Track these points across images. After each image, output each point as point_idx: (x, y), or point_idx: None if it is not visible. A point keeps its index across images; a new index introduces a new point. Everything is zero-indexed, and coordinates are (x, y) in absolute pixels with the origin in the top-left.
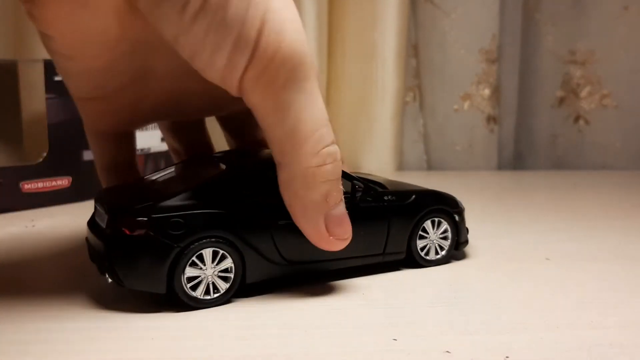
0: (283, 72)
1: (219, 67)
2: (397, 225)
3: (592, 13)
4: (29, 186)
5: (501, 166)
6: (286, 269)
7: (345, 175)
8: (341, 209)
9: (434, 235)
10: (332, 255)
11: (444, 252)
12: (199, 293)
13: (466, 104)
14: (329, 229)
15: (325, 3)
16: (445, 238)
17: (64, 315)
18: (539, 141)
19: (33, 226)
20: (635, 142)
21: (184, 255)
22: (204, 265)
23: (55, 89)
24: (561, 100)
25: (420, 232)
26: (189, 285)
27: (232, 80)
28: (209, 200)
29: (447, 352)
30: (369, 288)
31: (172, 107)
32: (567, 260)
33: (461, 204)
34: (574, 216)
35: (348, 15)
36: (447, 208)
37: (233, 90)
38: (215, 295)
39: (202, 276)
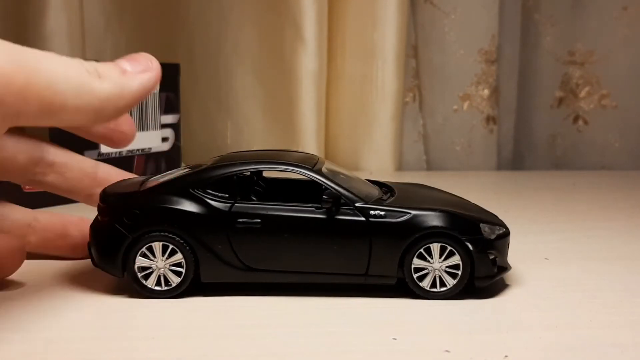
0: None
1: None
2: (382, 245)
3: (591, 13)
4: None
5: (500, 166)
6: (246, 274)
7: (320, 183)
8: (124, 62)
9: (437, 264)
10: (299, 267)
11: (448, 287)
12: (150, 283)
13: (465, 104)
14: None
15: (325, 3)
16: (455, 268)
17: (64, 315)
18: (538, 141)
19: None
20: (634, 142)
21: (136, 244)
22: (154, 257)
23: None
24: (560, 101)
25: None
26: (140, 274)
27: None
28: (171, 197)
29: (447, 351)
30: (369, 288)
31: None
32: (566, 260)
33: (490, 230)
34: (573, 216)
35: (348, 15)
36: (456, 234)
37: None
38: (166, 287)
39: (153, 267)
